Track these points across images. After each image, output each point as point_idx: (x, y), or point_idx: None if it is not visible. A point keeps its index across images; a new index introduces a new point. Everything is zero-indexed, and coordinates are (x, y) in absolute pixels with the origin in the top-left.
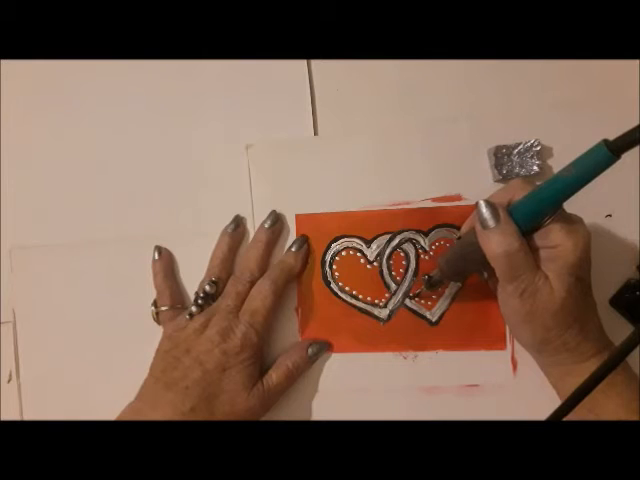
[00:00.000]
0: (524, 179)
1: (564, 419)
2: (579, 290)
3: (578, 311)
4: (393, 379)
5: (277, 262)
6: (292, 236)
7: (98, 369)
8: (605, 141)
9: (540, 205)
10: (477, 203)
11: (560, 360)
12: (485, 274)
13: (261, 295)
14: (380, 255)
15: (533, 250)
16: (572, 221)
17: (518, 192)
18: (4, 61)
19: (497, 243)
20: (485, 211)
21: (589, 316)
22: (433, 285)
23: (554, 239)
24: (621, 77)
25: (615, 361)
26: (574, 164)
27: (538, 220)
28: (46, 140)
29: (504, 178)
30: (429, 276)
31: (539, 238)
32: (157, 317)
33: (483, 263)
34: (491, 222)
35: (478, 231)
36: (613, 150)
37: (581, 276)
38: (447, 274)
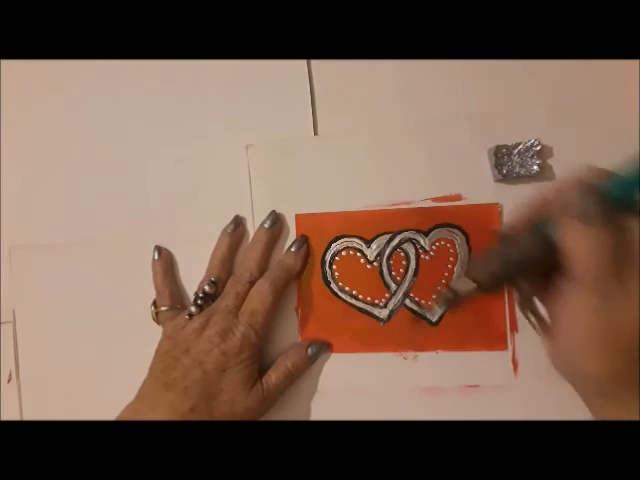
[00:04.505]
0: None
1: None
2: None
3: None
4: (393, 379)
5: (277, 262)
6: (292, 236)
7: (98, 369)
8: None
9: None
10: (573, 188)
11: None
12: (523, 284)
13: (260, 295)
14: (380, 255)
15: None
16: None
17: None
18: (4, 61)
19: (594, 239)
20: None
21: None
22: (452, 301)
23: None
24: (621, 77)
25: None
26: None
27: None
28: (46, 140)
29: (504, 178)
30: (453, 289)
31: None
32: (157, 317)
33: (528, 269)
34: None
35: (567, 224)
36: None
37: None
38: (487, 285)
